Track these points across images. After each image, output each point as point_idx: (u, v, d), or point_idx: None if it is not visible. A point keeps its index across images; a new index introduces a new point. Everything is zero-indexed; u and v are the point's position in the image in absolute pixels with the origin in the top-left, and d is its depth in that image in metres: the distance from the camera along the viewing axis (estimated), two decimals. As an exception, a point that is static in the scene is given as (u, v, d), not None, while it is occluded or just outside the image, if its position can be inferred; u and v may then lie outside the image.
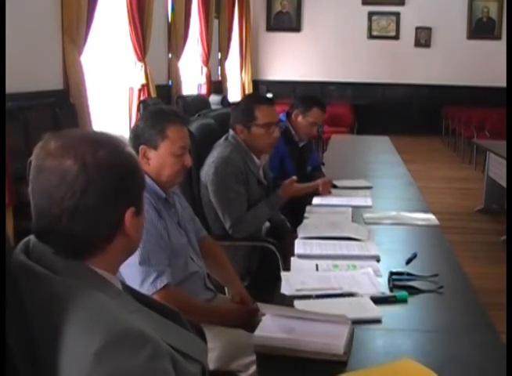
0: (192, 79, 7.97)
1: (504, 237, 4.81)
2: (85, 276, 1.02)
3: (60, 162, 1.00)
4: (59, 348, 0.94)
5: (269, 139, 2.75)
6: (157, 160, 1.93)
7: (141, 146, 1.92)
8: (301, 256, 2.15)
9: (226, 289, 2.27)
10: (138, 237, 1.14)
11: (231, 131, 2.76)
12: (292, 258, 2.13)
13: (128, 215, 1.05)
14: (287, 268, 2.09)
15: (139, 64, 5.85)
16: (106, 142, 1.06)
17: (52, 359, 0.94)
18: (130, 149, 1.10)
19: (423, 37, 11.28)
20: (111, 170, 1.03)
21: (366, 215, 2.72)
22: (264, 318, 1.58)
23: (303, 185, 2.99)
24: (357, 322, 1.56)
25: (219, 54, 9.26)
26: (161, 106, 2.89)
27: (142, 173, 1.11)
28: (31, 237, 1.06)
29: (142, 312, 1.08)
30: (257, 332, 1.50)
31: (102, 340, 0.92)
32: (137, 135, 1.95)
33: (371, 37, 11.41)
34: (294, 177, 2.87)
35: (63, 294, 0.98)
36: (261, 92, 11.13)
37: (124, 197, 1.05)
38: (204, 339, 1.27)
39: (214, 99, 7.67)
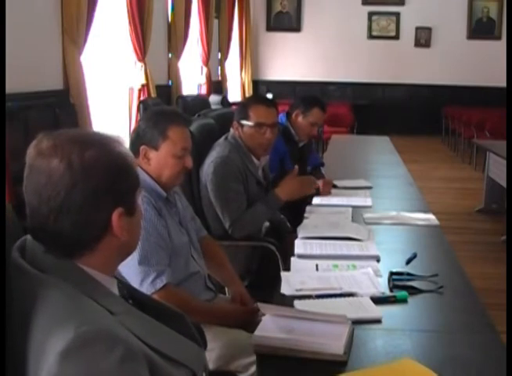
0: (192, 79, 7.97)
1: (504, 237, 4.81)
2: (73, 275, 1.02)
3: (48, 161, 1.01)
4: (29, 345, 0.95)
5: (260, 139, 2.70)
6: (158, 161, 1.92)
7: (142, 146, 1.92)
8: (301, 256, 2.15)
9: (226, 289, 2.27)
10: (133, 238, 1.13)
11: (231, 131, 2.76)
12: (292, 258, 2.13)
13: (115, 215, 1.05)
14: (287, 268, 2.09)
15: (139, 64, 5.85)
16: (97, 142, 1.05)
17: (24, 354, 0.95)
18: (122, 149, 1.08)
19: (423, 37, 11.27)
20: (98, 170, 1.02)
21: (366, 215, 2.72)
22: (264, 318, 1.58)
23: (300, 177, 2.80)
24: (357, 322, 1.56)
25: (219, 54, 9.25)
26: (164, 106, 2.89)
27: (134, 173, 1.10)
28: (28, 236, 1.07)
29: (131, 314, 1.07)
30: (257, 332, 1.50)
31: (69, 339, 0.91)
32: (138, 134, 1.95)
33: (371, 37, 11.40)
34: (296, 166, 2.77)
35: (39, 290, 0.98)
36: (261, 92, 11.13)
37: (111, 198, 1.05)
38: (204, 340, 1.26)
39: (214, 99, 7.66)
